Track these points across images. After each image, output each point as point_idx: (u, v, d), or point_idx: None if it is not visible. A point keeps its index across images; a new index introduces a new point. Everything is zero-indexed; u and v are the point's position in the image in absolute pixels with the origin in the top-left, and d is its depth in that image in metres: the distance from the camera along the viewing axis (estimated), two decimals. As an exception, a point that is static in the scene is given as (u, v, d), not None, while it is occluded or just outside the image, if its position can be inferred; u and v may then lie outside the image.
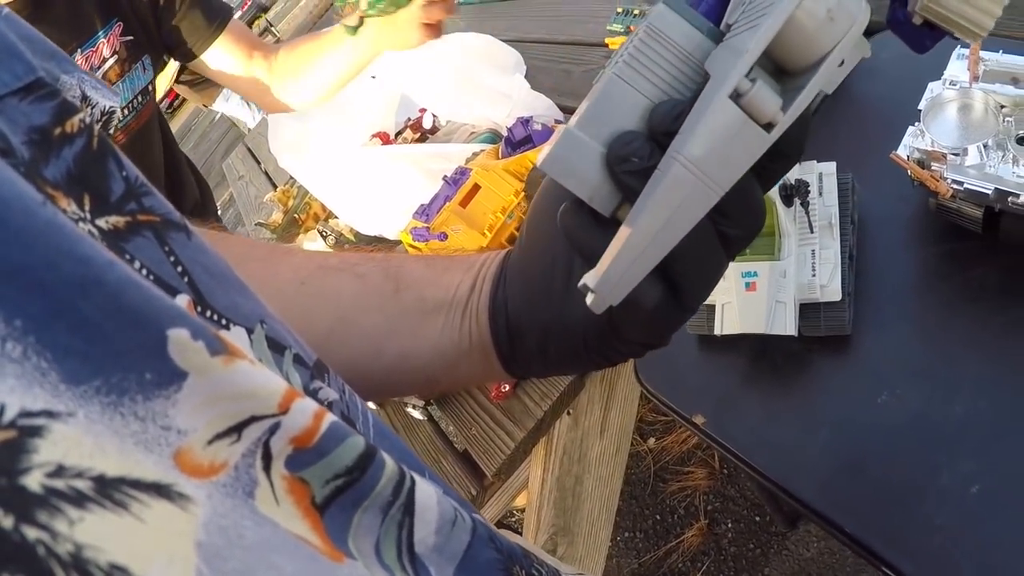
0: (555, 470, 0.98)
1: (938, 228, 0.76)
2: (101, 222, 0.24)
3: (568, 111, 1.29)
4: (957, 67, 0.77)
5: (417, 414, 0.99)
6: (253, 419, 0.24)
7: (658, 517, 1.66)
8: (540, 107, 1.26)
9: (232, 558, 0.22)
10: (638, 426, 1.78)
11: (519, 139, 1.17)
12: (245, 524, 0.23)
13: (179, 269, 0.26)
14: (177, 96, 7.51)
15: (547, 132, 1.17)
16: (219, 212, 1.45)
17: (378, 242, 1.32)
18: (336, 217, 1.43)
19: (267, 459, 0.25)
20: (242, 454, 0.24)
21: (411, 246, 1.05)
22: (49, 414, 0.19)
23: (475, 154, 1.24)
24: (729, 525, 1.62)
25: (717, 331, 0.75)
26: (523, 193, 1.06)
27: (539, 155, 0.32)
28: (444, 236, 0.99)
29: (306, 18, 5.34)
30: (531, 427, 0.88)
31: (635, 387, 1.05)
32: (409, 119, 1.49)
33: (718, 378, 0.79)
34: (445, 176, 1.10)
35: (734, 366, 0.78)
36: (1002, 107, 0.73)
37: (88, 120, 0.25)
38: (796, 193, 0.72)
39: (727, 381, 0.78)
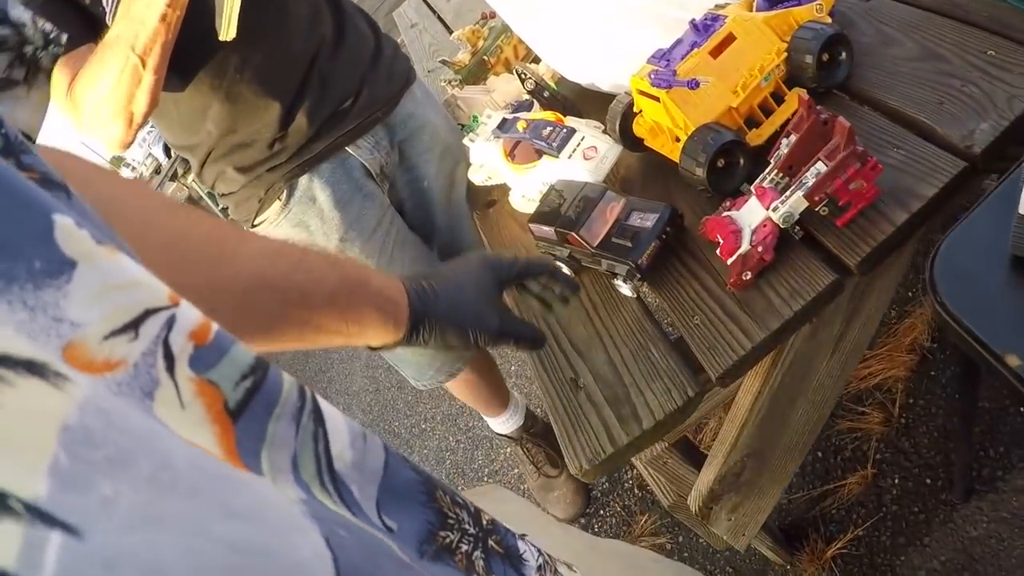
0: (775, 386, 0.83)
1: None
2: None
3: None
4: None
5: (626, 289, 0.85)
6: (148, 313, 0.24)
7: (819, 454, 1.50)
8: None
9: (107, 444, 0.20)
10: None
11: (784, -8, 0.96)
12: (133, 412, 0.22)
13: None
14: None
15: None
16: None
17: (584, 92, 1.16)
18: (538, 61, 1.27)
19: (169, 359, 0.24)
20: (142, 353, 0.23)
21: (643, 93, 0.89)
22: None
23: (719, 6, 1.04)
24: (896, 481, 1.45)
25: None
26: (785, 54, 0.87)
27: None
28: (695, 83, 0.82)
29: None
30: (775, 328, 0.72)
31: (882, 305, 0.87)
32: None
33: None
34: (693, 20, 0.91)
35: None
36: None
37: None
38: None
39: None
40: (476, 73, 1.43)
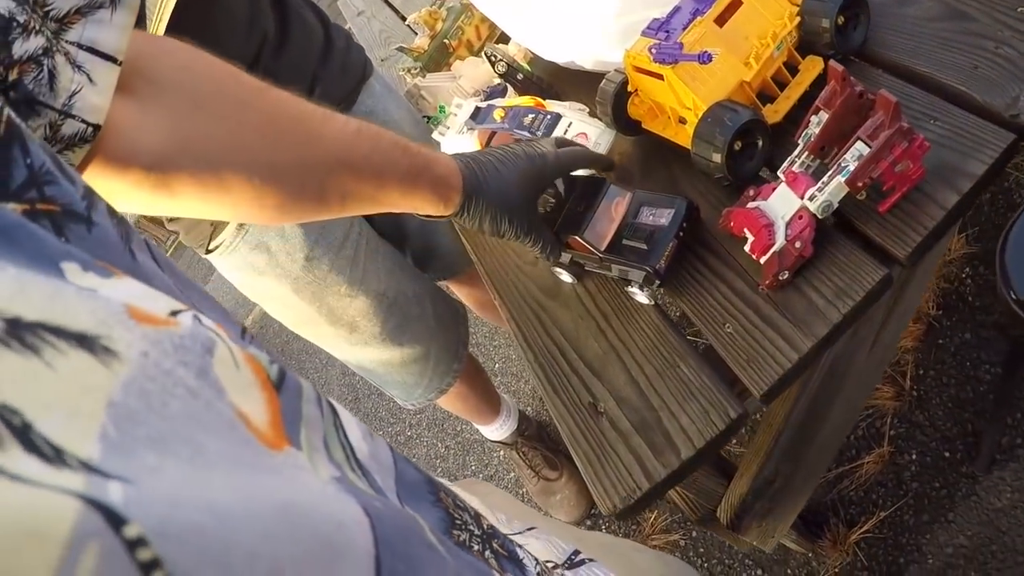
0: (813, 389, 0.75)
1: None
2: None
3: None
4: None
5: (643, 297, 0.75)
6: (174, 313, 0.24)
7: (832, 437, 1.44)
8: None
9: (146, 424, 0.20)
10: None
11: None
12: (175, 392, 0.21)
13: None
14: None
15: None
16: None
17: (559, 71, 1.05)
18: (507, 40, 1.16)
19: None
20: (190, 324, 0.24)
21: (641, 70, 0.79)
22: None
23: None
24: (914, 456, 1.39)
25: None
26: (798, 19, 0.78)
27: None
28: (707, 56, 0.72)
29: None
30: (823, 335, 0.63)
31: (917, 296, 0.79)
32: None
33: None
34: (689, -15, 0.81)
35: None
36: None
37: None
38: None
39: None
40: (437, 58, 1.31)
